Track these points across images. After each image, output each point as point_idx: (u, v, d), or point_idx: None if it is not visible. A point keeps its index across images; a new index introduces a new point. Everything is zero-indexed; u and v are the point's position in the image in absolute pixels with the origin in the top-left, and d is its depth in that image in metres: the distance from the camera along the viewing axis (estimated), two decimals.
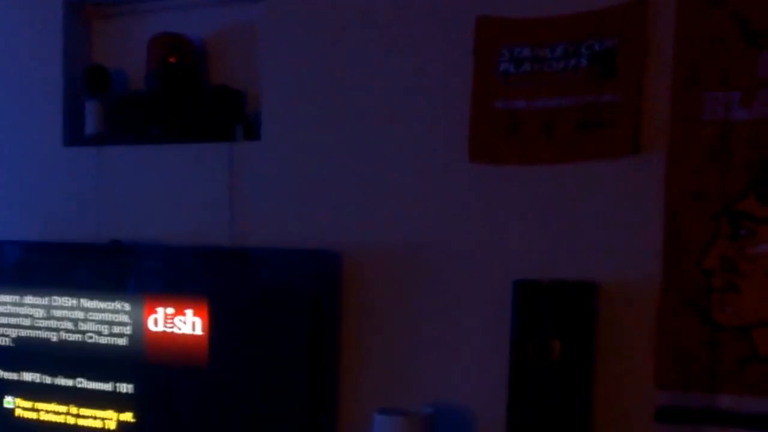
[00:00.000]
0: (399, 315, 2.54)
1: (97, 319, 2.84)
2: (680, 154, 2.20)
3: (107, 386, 2.83)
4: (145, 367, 2.79)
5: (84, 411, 2.87)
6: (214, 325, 2.66)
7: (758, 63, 2.12)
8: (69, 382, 2.90)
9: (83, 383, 2.87)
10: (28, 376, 2.96)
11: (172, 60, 2.86)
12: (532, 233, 2.36)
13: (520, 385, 2.30)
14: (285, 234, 2.68)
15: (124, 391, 2.81)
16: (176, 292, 2.73)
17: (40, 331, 2.94)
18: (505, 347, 2.32)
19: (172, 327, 2.72)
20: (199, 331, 2.68)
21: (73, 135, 3.07)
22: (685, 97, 2.19)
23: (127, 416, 2.80)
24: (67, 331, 2.89)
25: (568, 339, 2.26)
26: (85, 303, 2.86)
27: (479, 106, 2.40)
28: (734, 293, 2.15)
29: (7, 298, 2.98)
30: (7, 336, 2.99)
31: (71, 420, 2.89)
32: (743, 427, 2.13)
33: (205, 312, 2.67)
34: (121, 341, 2.81)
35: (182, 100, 2.85)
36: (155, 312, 2.74)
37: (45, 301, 2.92)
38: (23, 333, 2.96)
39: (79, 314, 2.87)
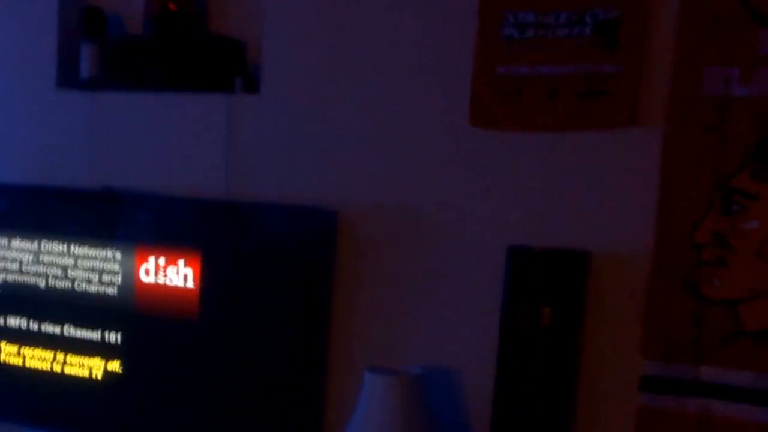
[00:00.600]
0: (392, 275, 2.70)
1: (87, 266, 2.99)
2: (677, 127, 2.35)
3: (95, 335, 2.99)
4: (134, 317, 2.94)
5: (71, 358, 3.03)
6: (206, 278, 2.81)
7: (759, 40, 2.26)
8: (56, 329, 3.05)
9: (71, 331, 3.03)
10: (14, 321, 3.12)
11: (172, 6, 2.97)
12: (528, 200, 2.52)
13: (509, 349, 2.48)
14: (280, 190, 2.83)
15: (113, 340, 2.96)
16: (169, 243, 2.87)
17: (28, 277, 3.08)
18: (496, 311, 2.50)
19: (163, 278, 2.88)
20: (190, 284, 2.83)
21: (68, 78, 3.18)
22: (685, 71, 2.33)
23: (114, 365, 2.96)
24: (56, 277, 3.04)
25: (558, 306, 2.43)
26: (75, 250, 3.00)
27: (481, 70, 2.55)
28: (723, 268, 2.31)
29: None
30: None
31: (57, 367, 3.05)
32: (726, 400, 2.30)
33: (197, 264, 2.81)
34: (111, 290, 2.96)
35: (181, 48, 2.98)
36: (147, 262, 2.89)
37: (34, 246, 3.07)
38: (10, 277, 3.11)
39: (69, 261, 3.02)
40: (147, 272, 2.90)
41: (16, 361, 3.13)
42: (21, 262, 3.10)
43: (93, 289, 2.99)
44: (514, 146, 2.54)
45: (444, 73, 2.62)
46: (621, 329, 2.42)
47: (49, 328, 3.07)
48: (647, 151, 2.38)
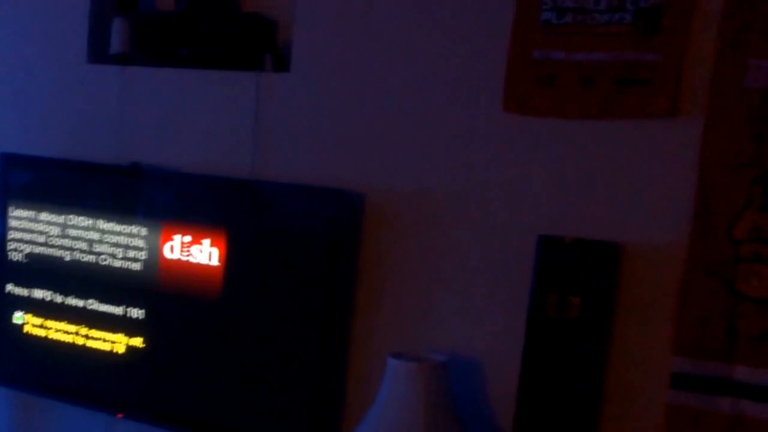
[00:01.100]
0: (418, 261, 2.59)
1: (112, 242, 2.90)
2: (719, 119, 2.22)
3: (118, 310, 2.91)
4: (157, 294, 2.86)
5: (93, 332, 2.95)
6: (230, 257, 2.71)
7: None
8: (80, 303, 2.97)
9: (94, 305, 2.95)
10: (39, 293, 3.04)
11: None
12: (561, 188, 2.39)
13: (536, 339, 2.37)
14: (307, 170, 2.72)
15: (135, 316, 2.88)
16: (195, 221, 2.78)
17: (54, 250, 3.00)
18: (523, 301, 2.38)
19: (188, 255, 2.78)
20: (215, 262, 2.74)
21: (98, 52, 3.09)
22: (729, 61, 2.20)
23: (137, 341, 2.88)
24: (81, 251, 2.96)
25: (588, 297, 2.31)
26: (101, 225, 2.92)
27: (517, 54, 2.42)
28: (761, 265, 2.18)
29: (23, 213, 3.05)
30: (20, 251, 3.06)
31: (80, 340, 2.97)
32: (759, 400, 2.17)
33: (222, 243, 2.72)
34: (136, 266, 2.87)
35: (212, 24, 2.87)
36: (171, 239, 2.80)
37: (61, 219, 2.98)
38: (37, 250, 3.03)
39: (94, 235, 2.93)
40: (171, 249, 2.81)
41: (40, 333, 3.06)
42: (47, 235, 3.02)
43: (117, 264, 2.91)
44: (548, 133, 2.41)
45: (478, 56, 2.49)
46: (652, 324, 2.30)
47: (73, 301, 3.00)
48: (686, 142, 2.25)
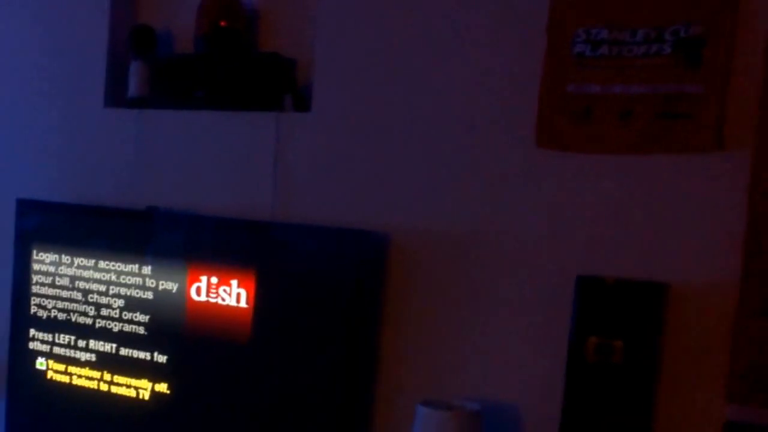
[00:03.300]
0: (447, 303, 2.21)
1: (136, 284, 2.52)
2: (766, 151, 1.85)
3: (143, 354, 2.52)
4: (184, 337, 2.48)
5: (118, 378, 2.57)
6: (259, 299, 2.34)
7: None
8: (104, 348, 2.59)
9: (119, 350, 2.57)
10: (61, 339, 2.67)
11: (222, 24, 2.51)
12: (599, 226, 2.03)
13: (577, 385, 1.99)
14: (330, 211, 2.35)
15: (161, 360, 2.50)
16: (222, 262, 2.41)
17: (75, 293, 2.62)
18: (561, 345, 2.01)
19: (215, 297, 2.40)
20: (243, 304, 2.36)
21: (116, 96, 2.73)
22: None
23: (162, 387, 2.50)
24: (104, 294, 2.57)
25: (632, 341, 1.94)
26: (124, 268, 2.54)
27: (550, 88, 2.06)
28: None
29: (45, 257, 2.67)
30: (42, 296, 2.69)
31: (104, 386, 2.59)
32: None
33: (251, 284, 2.35)
34: (161, 308, 2.48)
35: (230, 65, 2.51)
36: (199, 281, 2.42)
37: (83, 263, 2.61)
38: (59, 294, 2.65)
39: (118, 279, 2.55)
40: (198, 291, 2.42)
41: (63, 379, 2.68)
42: (69, 280, 2.64)
43: (141, 307, 2.52)
44: (585, 169, 2.04)
45: (509, 91, 2.13)
46: (702, 369, 1.93)
47: (96, 346, 2.61)
48: (733, 177, 1.89)
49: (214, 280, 2.42)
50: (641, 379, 1.93)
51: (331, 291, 2.27)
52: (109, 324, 2.57)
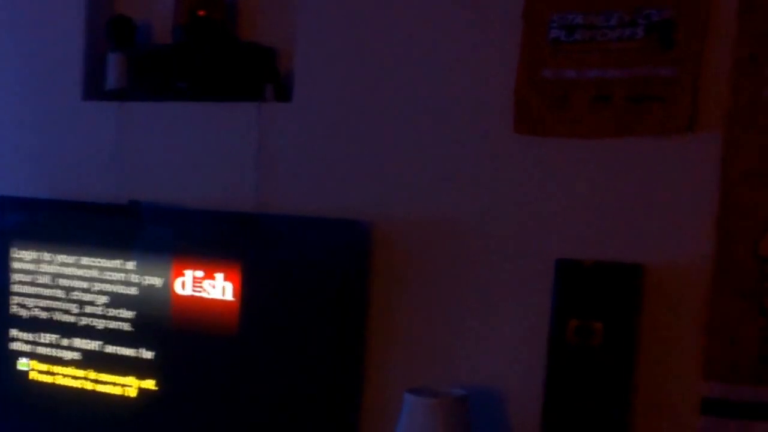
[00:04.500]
0: (431, 290, 2.50)
1: (119, 280, 2.80)
2: (738, 133, 2.14)
3: (128, 351, 2.80)
4: (169, 332, 2.75)
5: (103, 376, 2.85)
6: (246, 291, 2.62)
7: None
8: (88, 346, 2.87)
9: (102, 347, 2.85)
10: (44, 338, 2.94)
11: (201, 13, 2.78)
12: (577, 210, 2.31)
13: (559, 368, 2.28)
14: (313, 201, 2.64)
15: (147, 356, 2.78)
16: (207, 256, 2.68)
17: (57, 291, 2.90)
18: (542, 328, 2.30)
19: (200, 291, 2.69)
20: (229, 297, 2.64)
21: (94, 89, 3.01)
22: (747, 73, 2.12)
23: (149, 383, 2.78)
24: (87, 291, 2.85)
25: (611, 322, 2.22)
26: (107, 264, 2.82)
27: (526, 74, 2.34)
28: None
29: (26, 255, 2.95)
30: (23, 295, 2.96)
31: (89, 385, 2.87)
32: None
33: (237, 277, 2.63)
34: (145, 304, 2.76)
35: (210, 56, 2.78)
36: (183, 275, 2.71)
37: (64, 260, 2.89)
38: (39, 292, 2.93)
39: (100, 275, 2.83)
40: (183, 285, 2.71)
41: (47, 379, 2.96)
42: (51, 278, 2.93)
43: (126, 304, 2.80)
44: (562, 153, 2.33)
45: (486, 78, 2.41)
46: (679, 348, 2.21)
47: (80, 345, 2.89)
48: (706, 158, 2.17)
49: (199, 273, 2.69)
50: (620, 359, 2.22)
51: (316, 281, 2.55)
52: (93, 321, 2.85)
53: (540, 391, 2.29)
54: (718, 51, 2.16)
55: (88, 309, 2.86)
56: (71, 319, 2.89)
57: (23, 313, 2.97)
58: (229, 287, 2.65)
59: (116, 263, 2.81)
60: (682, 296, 2.20)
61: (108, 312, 2.83)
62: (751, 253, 2.12)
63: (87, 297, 2.86)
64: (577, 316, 2.25)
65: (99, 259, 2.84)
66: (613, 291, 2.23)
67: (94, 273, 2.85)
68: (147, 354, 2.78)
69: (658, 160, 2.23)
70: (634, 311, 2.23)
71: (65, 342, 2.91)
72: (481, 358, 2.44)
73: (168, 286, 2.73)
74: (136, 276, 2.78)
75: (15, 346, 2.99)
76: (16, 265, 2.98)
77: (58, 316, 2.92)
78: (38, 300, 2.95)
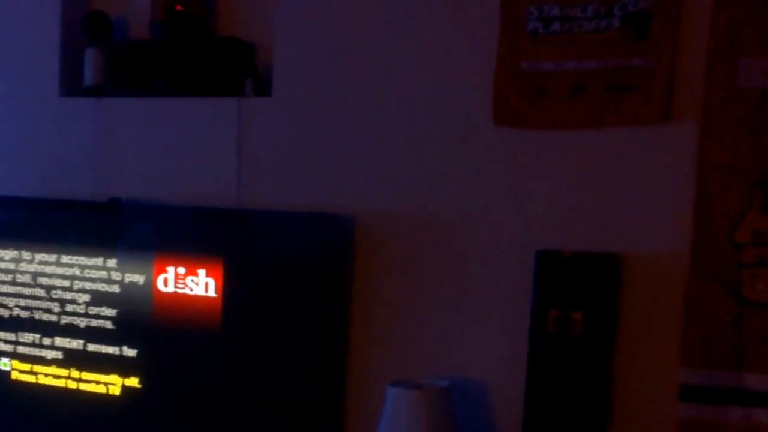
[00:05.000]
0: (414, 283, 2.62)
1: (101, 278, 2.91)
2: (714, 122, 2.26)
3: (111, 349, 2.91)
4: (152, 330, 2.86)
5: (86, 375, 2.95)
6: (228, 287, 2.73)
7: None
8: (70, 345, 2.97)
9: (86, 346, 2.95)
10: (26, 338, 3.04)
11: (178, 8, 2.89)
12: (557, 201, 2.43)
13: (540, 358, 2.39)
14: (295, 196, 2.75)
15: (130, 354, 2.89)
16: (189, 252, 2.79)
17: (38, 290, 3.00)
18: (524, 319, 2.41)
19: (183, 288, 2.80)
20: (212, 293, 2.75)
21: (71, 85, 3.12)
22: (721, 62, 2.24)
23: (133, 381, 2.89)
24: (68, 290, 2.96)
25: (591, 312, 2.34)
26: (88, 262, 2.92)
27: (505, 67, 2.46)
28: (765, 268, 2.22)
29: (5, 254, 3.05)
30: (3, 294, 3.06)
31: (72, 384, 2.97)
32: None
33: (219, 273, 2.74)
34: (128, 301, 2.87)
35: (189, 51, 2.89)
36: (165, 272, 2.81)
37: (45, 259, 2.99)
38: (21, 291, 3.03)
39: (82, 274, 2.94)
40: (165, 282, 2.82)
41: (29, 379, 3.06)
42: (31, 277, 3.03)
43: (108, 301, 2.91)
44: (541, 145, 2.45)
45: (465, 71, 2.53)
46: (658, 336, 2.34)
47: (62, 344, 3.00)
48: (682, 148, 2.29)
49: (181, 270, 2.80)
50: (600, 347, 2.34)
51: (299, 275, 2.67)
52: (75, 320, 2.96)
53: (522, 380, 2.40)
54: (693, 41, 2.28)
55: (70, 308, 2.97)
56: (53, 318, 3.00)
57: (4, 312, 3.07)
58: (211, 283, 2.76)
59: (97, 261, 2.92)
60: (660, 285, 2.32)
61: (90, 310, 2.93)
62: (727, 241, 2.25)
63: (68, 296, 2.97)
64: (557, 306, 2.36)
65: (80, 258, 2.94)
66: (592, 281, 2.34)
67: (75, 271, 2.95)
68: (130, 352, 2.89)
69: (635, 150, 2.35)
70: (614, 300, 2.35)
71: (47, 341, 3.01)
72: (464, 350, 2.55)
73: (150, 284, 2.84)
74: (118, 274, 2.89)
75: None
76: None
77: (39, 315, 3.02)
78: (19, 299, 3.05)
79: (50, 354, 3.01)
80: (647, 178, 2.34)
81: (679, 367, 2.29)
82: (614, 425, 2.36)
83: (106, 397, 2.93)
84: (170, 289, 2.82)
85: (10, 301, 3.07)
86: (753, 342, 2.22)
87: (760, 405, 2.22)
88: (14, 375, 3.08)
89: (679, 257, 2.29)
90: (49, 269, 2.99)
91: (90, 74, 3.04)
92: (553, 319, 2.37)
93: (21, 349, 3.06)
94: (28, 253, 3.03)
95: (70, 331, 2.97)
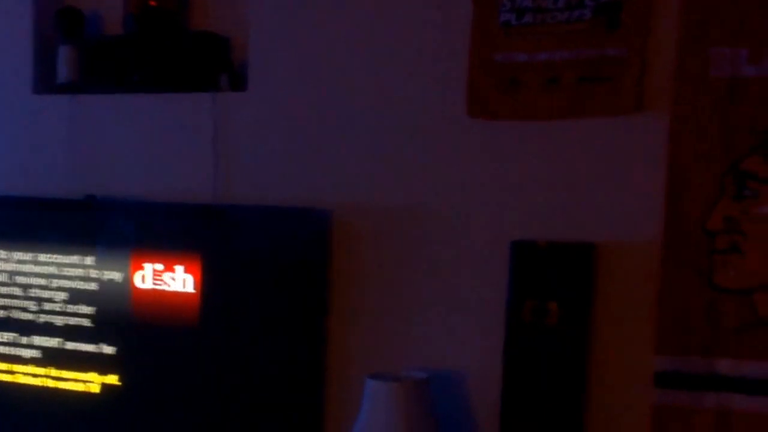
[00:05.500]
0: (391, 276, 2.72)
1: (78, 276, 2.99)
2: (685, 111, 2.36)
3: (89, 347, 2.99)
4: (131, 327, 2.94)
5: (64, 373, 3.03)
6: (206, 283, 2.82)
7: (766, 19, 2.27)
8: (48, 343, 3.05)
9: (63, 344, 3.03)
10: (2, 337, 3.11)
11: (152, 2, 2.97)
12: (531, 192, 2.53)
13: (516, 348, 2.50)
14: (271, 190, 2.84)
15: (108, 351, 2.97)
16: (166, 248, 2.87)
17: (15, 289, 3.08)
18: (501, 310, 2.51)
19: (161, 284, 2.88)
20: (190, 289, 2.84)
21: (45, 82, 3.19)
22: (692, 52, 2.34)
23: (112, 378, 2.97)
24: (45, 288, 3.04)
25: (566, 301, 2.45)
26: (64, 260, 3.00)
27: (478, 58, 2.55)
28: (737, 255, 2.32)
29: None
30: None
31: (51, 383, 3.05)
32: (744, 392, 2.31)
33: (197, 269, 2.83)
34: (105, 298, 2.95)
35: (163, 46, 2.97)
36: (143, 268, 2.90)
37: (21, 257, 3.07)
38: None
39: (58, 272, 3.02)
40: (143, 279, 2.90)
41: (6, 378, 3.13)
42: (8, 276, 3.10)
43: (85, 299, 2.99)
44: (515, 137, 2.54)
45: (439, 63, 2.62)
46: (632, 323, 2.44)
47: (40, 342, 3.07)
48: (654, 137, 2.39)
49: (158, 266, 2.88)
50: (575, 337, 2.44)
51: (276, 270, 2.76)
52: (52, 318, 3.04)
53: (499, 371, 2.51)
54: (663, 31, 2.38)
55: (47, 306, 3.04)
56: (30, 316, 3.08)
57: None
58: (189, 279, 2.85)
59: (74, 259, 2.99)
60: (635, 273, 2.43)
61: (67, 308, 3.01)
62: (699, 229, 2.35)
63: (45, 294, 3.05)
64: (533, 296, 2.47)
65: (56, 256, 3.02)
66: (567, 271, 2.45)
67: (52, 269, 3.03)
68: (108, 349, 2.97)
69: (608, 139, 2.44)
70: (588, 290, 2.45)
71: (24, 340, 3.09)
72: (441, 341, 2.65)
73: (128, 281, 2.92)
74: (95, 271, 2.97)
75: None
76: None
77: (17, 314, 3.09)
78: None
79: (28, 353, 3.09)
80: (621, 167, 2.44)
81: (654, 354, 2.39)
82: (590, 413, 2.47)
83: (86, 395, 3.01)
84: (148, 285, 2.90)
85: None
86: (725, 328, 2.32)
87: (733, 390, 2.32)
88: None
89: (653, 246, 2.39)
90: (26, 268, 3.07)
91: (63, 71, 3.11)
92: (529, 309, 2.47)
93: None
94: (5, 252, 3.10)
95: (48, 329, 3.05)
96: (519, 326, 2.48)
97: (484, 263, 2.58)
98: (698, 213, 2.35)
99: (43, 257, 3.05)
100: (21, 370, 3.11)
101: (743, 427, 2.32)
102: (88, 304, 2.99)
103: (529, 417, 2.47)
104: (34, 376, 3.09)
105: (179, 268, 2.86)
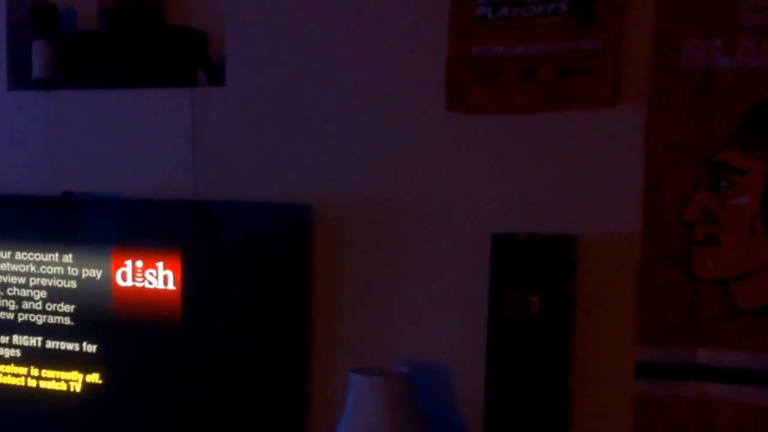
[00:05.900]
0: (372, 270, 2.79)
1: (58, 274, 3.04)
2: (661, 102, 2.43)
3: (71, 345, 3.05)
4: (112, 325, 3.00)
5: (46, 372, 3.09)
6: (187, 280, 2.88)
7: (740, 10, 2.34)
8: (29, 342, 3.11)
9: (45, 343, 3.09)
10: None
11: None
12: (511, 185, 2.60)
13: (499, 341, 2.57)
14: (251, 186, 2.90)
15: (90, 350, 3.03)
16: (147, 245, 2.94)
17: None
18: (482, 303, 2.58)
19: (142, 282, 2.95)
20: (171, 286, 2.91)
21: (19, 78, 3.23)
22: (666, 44, 2.41)
23: (94, 377, 3.04)
24: (24, 287, 3.09)
25: (547, 294, 2.52)
26: (44, 258, 3.06)
27: (456, 52, 2.62)
28: (715, 246, 2.41)
29: None
30: None
31: (32, 382, 3.11)
32: (724, 382, 2.40)
33: (178, 265, 2.89)
34: (86, 296, 3.01)
35: (139, 41, 3.02)
36: (123, 266, 2.96)
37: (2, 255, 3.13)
38: None
39: (38, 270, 3.07)
40: (124, 276, 2.96)
41: None
42: None
43: (65, 297, 3.05)
44: (494, 129, 2.62)
45: (418, 57, 2.69)
46: (613, 315, 2.52)
47: (20, 341, 3.13)
48: (631, 129, 2.46)
49: (139, 264, 2.95)
50: (557, 329, 2.53)
51: (258, 265, 2.83)
52: (32, 317, 3.09)
53: (482, 364, 2.58)
54: (638, 23, 2.45)
55: (26, 305, 3.10)
56: (9, 315, 3.13)
57: None
58: (170, 276, 2.91)
59: (53, 257, 3.05)
60: (615, 264, 2.50)
61: (47, 307, 3.07)
62: (677, 220, 2.43)
63: (24, 293, 3.10)
64: (514, 289, 2.54)
65: (35, 254, 3.07)
66: (548, 263, 2.52)
67: (31, 268, 3.08)
68: (90, 348, 3.03)
69: (586, 132, 2.52)
70: (569, 282, 2.53)
71: (4, 339, 3.14)
72: (424, 335, 2.73)
73: (108, 278, 2.98)
74: (75, 269, 3.03)
75: None
76: None
77: None
78: None
79: (8, 352, 3.14)
80: (599, 159, 2.52)
81: (635, 345, 2.47)
82: (573, 404, 2.55)
83: (68, 394, 3.06)
84: (129, 283, 2.96)
85: None
86: (705, 318, 2.41)
87: (713, 379, 2.41)
88: None
89: (634, 237, 2.46)
90: (3, 267, 3.12)
91: (38, 67, 3.16)
92: (511, 302, 2.55)
93: None
94: None
95: (28, 328, 3.10)
96: (501, 319, 2.55)
97: (466, 257, 2.66)
98: (676, 204, 2.43)
99: (20, 255, 3.10)
100: (1, 370, 3.17)
101: (723, 415, 2.40)
102: (69, 303, 3.05)
103: (512, 408, 2.54)
104: (15, 375, 3.15)
105: (160, 265, 2.92)
